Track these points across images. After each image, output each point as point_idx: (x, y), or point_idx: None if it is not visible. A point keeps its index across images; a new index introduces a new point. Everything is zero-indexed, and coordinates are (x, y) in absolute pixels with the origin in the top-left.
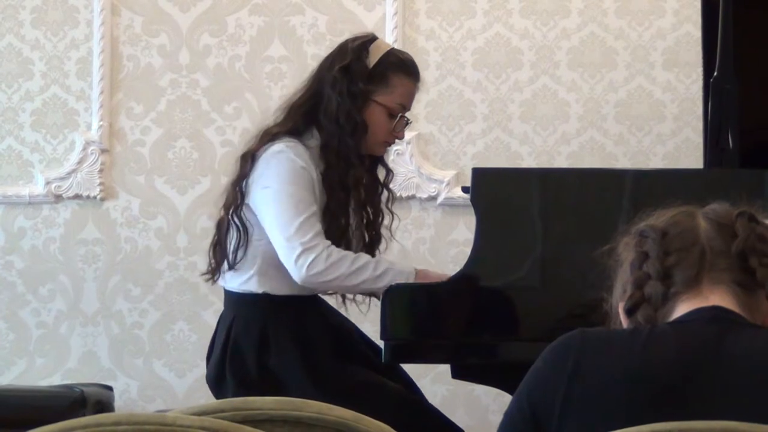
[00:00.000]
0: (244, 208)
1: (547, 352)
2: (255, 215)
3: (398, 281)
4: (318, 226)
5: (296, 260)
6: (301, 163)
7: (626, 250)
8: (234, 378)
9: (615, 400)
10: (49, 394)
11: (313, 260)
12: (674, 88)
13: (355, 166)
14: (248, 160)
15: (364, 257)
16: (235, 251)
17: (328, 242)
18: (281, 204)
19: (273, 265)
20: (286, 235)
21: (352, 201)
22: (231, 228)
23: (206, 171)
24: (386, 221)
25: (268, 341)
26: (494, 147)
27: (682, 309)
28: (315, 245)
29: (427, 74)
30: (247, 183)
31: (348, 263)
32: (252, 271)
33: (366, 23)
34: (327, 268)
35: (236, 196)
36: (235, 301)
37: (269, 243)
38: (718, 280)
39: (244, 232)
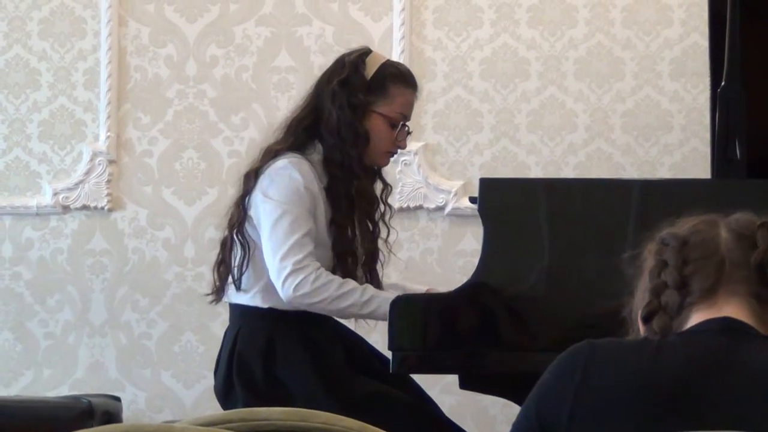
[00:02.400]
0: (246, 223)
1: (555, 364)
2: (257, 230)
3: (385, 308)
4: (310, 247)
5: (284, 280)
6: (303, 181)
7: (648, 257)
8: (243, 388)
9: (623, 411)
10: (57, 405)
11: (300, 281)
12: (681, 98)
13: (359, 178)
14: (251, 177)
15: (352, 283)
16: (239, 267)
17: (318, 264)
18: (277, 222)
19: None
20: (279, 253)
21: (356, 213)
22: (234, 246)
23: (213, 182)
24: (383, 235)
25: (274, 351)
26: (501, 157)
27: (695, 319)
28: (305, 266)
29: (434, 84)
30: (249, 199)
31: (335, 287)
32: (257, 288)
33: (373, 34)
34: (313, 290)
35: (239, 214)
36: (240, 314)
37: None
38: (734, 291)
39: (247, 249)
